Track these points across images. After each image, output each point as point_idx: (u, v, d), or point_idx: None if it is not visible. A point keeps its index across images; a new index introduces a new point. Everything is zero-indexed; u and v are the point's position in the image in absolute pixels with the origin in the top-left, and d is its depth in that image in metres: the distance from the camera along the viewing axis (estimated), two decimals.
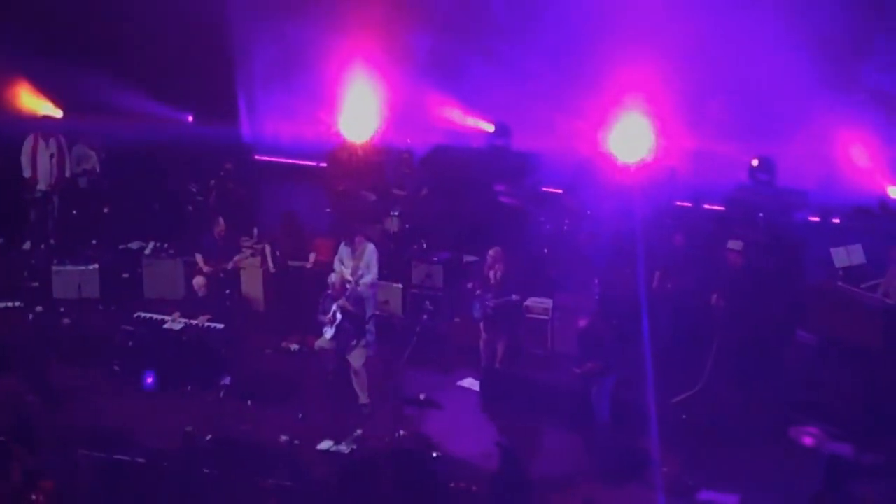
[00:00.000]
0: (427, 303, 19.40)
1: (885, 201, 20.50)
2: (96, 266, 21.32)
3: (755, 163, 20.79)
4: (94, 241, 22.25)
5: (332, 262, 19.43)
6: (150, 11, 23.75)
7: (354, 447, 16.80)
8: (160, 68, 23.97)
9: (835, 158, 21.14)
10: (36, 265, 21.47)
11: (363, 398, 17.87)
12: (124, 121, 23.70)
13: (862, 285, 17.96)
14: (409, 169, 22.45)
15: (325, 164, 23.54)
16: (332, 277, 18.42)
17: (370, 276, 18.95)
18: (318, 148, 23.80)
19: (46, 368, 18.53)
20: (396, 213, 21.66)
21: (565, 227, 20.95)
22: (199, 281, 19.76)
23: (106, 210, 22.64)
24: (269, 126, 25.28)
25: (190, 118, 25.07)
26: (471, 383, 18.63)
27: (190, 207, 22.41)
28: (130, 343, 18.81)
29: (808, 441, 16.70)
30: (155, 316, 19.12)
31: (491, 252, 18.58)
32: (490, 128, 23.08)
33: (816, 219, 20.68)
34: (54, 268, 21.27)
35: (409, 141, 23.13)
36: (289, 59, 24.63)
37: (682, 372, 18.16)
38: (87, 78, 23.33)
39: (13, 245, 22.41)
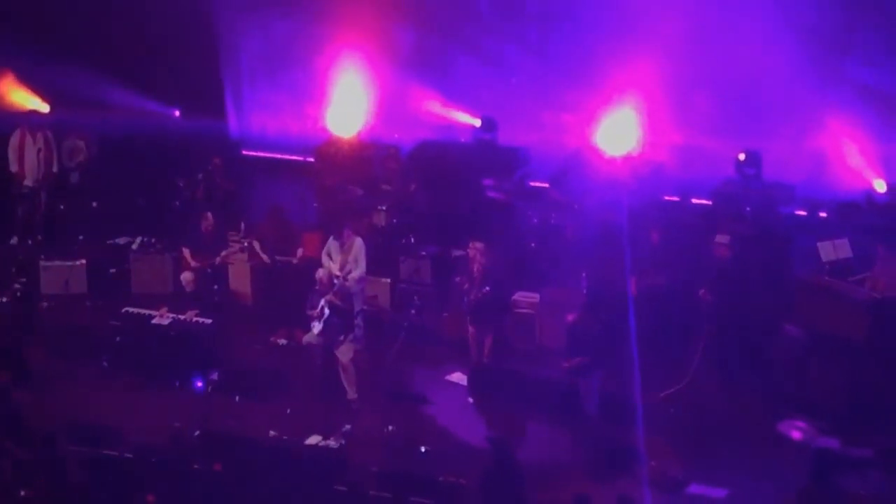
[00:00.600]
0: (415, 297, 19.38)
1: (871, 196, 20.58)
2: (84, 261, 21.23)
3: (742, 157, 20.85)
4: (81, 237, 22.24)
5: (319, 257, 19.36)
6: (137, 6, 23.79)
7: (343, 442, 16.79)
8: (147, 63, 23.99)
9: (822, 153, 21.24)
10: (23, 260, 21.41)
11: (351, 393, 17.84)
12: (111, 116, 23.72)
13: (849, 279, 18.00)
14: (397, 164, 22.42)
15: (312, 159, 23.54)
16: (320, 272, 18.38)
17: (358, 270, 18.90)
18: (306, 143, 23.83)
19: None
20: (384, 208, 21.65)
21: (552, 222, 20.96)
22: (186, 276, 19.78)
23: (94, 205, 22.63)
24: (257, 121, 25.32)
25: (177, 113, 25.07)
26: (459, 377, 18.62)
27: (177, 202, 22.32)
28: (118, 338, 18.77)
29: (795, 435, 16.72)
30: (143, 311, 19.03)
31: (471, 246, 18.53)
32: (477, 122, 23.10)
33: (803, 213, 20.76)
34: (42, 263, 21.18)
35: (396, 136, 23.19)
36: (276, 55, 24.67)
37: (669, 366, 18.19)
38: (74, 73, 23.32)
39: (0, 240, 22.35)
